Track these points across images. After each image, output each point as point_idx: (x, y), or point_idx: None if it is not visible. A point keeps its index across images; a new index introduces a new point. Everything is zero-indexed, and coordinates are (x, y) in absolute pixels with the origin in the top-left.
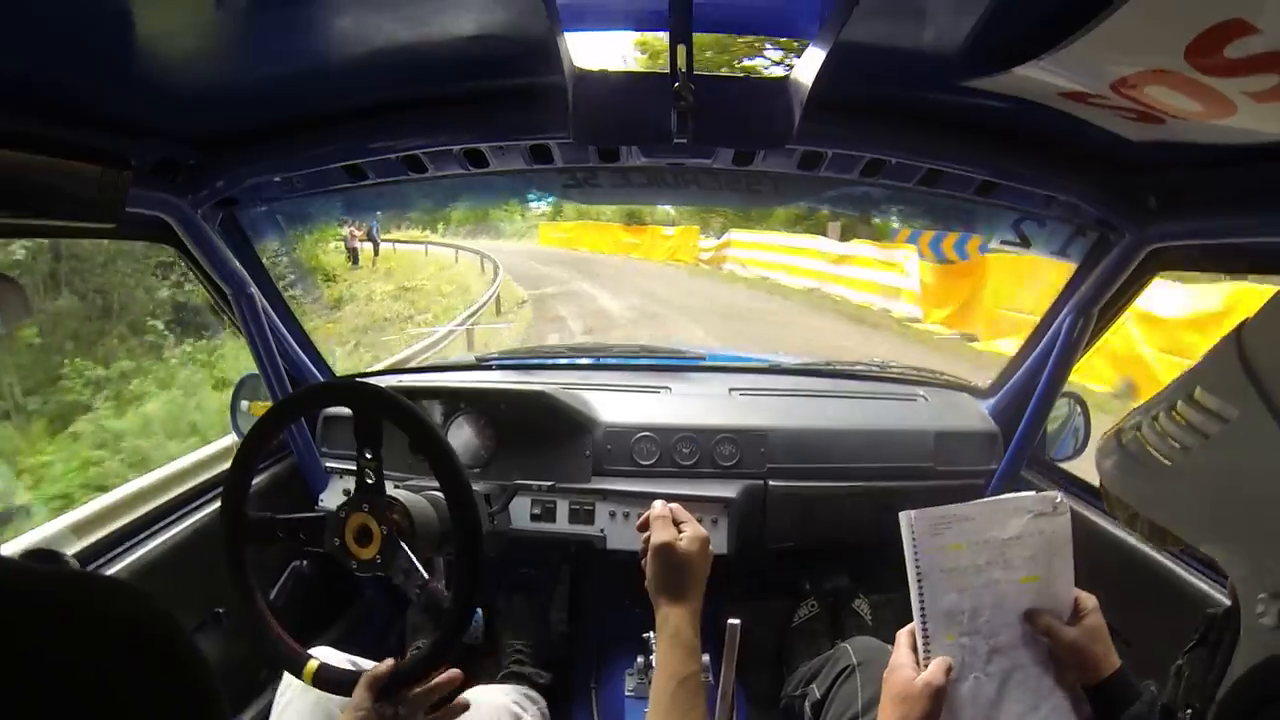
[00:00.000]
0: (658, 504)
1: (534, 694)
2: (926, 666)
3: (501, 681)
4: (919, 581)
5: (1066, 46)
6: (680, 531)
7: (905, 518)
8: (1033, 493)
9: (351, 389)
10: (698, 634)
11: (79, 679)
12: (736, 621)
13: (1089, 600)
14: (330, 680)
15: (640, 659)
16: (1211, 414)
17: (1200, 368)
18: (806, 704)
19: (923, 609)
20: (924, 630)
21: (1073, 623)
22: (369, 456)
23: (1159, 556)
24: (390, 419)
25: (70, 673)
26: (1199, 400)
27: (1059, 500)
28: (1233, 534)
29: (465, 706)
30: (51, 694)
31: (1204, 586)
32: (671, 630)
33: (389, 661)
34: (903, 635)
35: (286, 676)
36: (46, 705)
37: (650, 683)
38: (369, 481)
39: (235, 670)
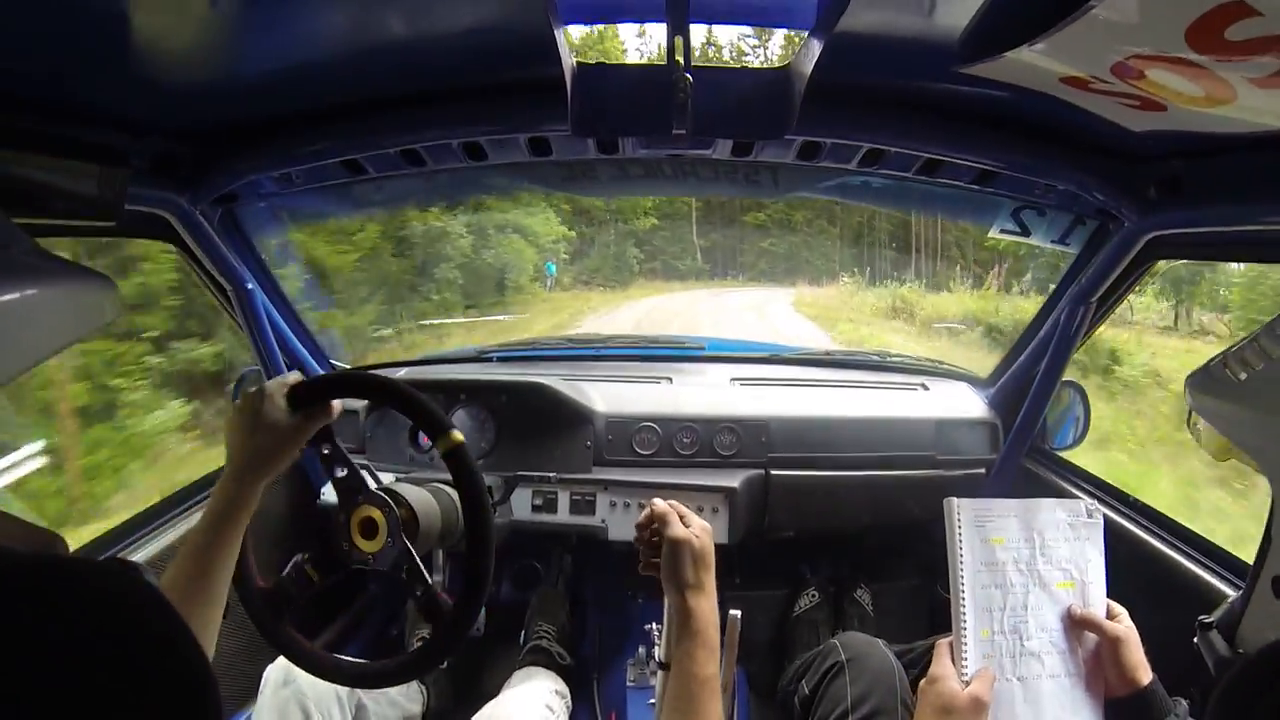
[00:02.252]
0: (659, 502)
1: (561, 687)
2: (965, 668)
3: (525, 659)
4: (961, 572)
5: (1066, 26)
6: (688, 526)
7: (951, 504)
8: (1067, 499)
9: (373, 383)
10: (718, 631)
11: (67, 659)
12: (737, 613)
13: (1120, 609)
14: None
15: (641, 649)
16: None
17: None
18: (796, 700)
19: (963, 601)
20: (963, 623)
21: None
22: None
23: (1158, 544)
24: (400, 409)
25: (58, 653)
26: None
27: (1093, 507)
28: (1275, 442)
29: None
30: (39, 675)
31: (1208, 578)
32: (696, 627)
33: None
34: (943, 644)
35: (265, 674)
36: (34, 686)
37: (651, 673)
38: (365, 476)
39: (239, 664)
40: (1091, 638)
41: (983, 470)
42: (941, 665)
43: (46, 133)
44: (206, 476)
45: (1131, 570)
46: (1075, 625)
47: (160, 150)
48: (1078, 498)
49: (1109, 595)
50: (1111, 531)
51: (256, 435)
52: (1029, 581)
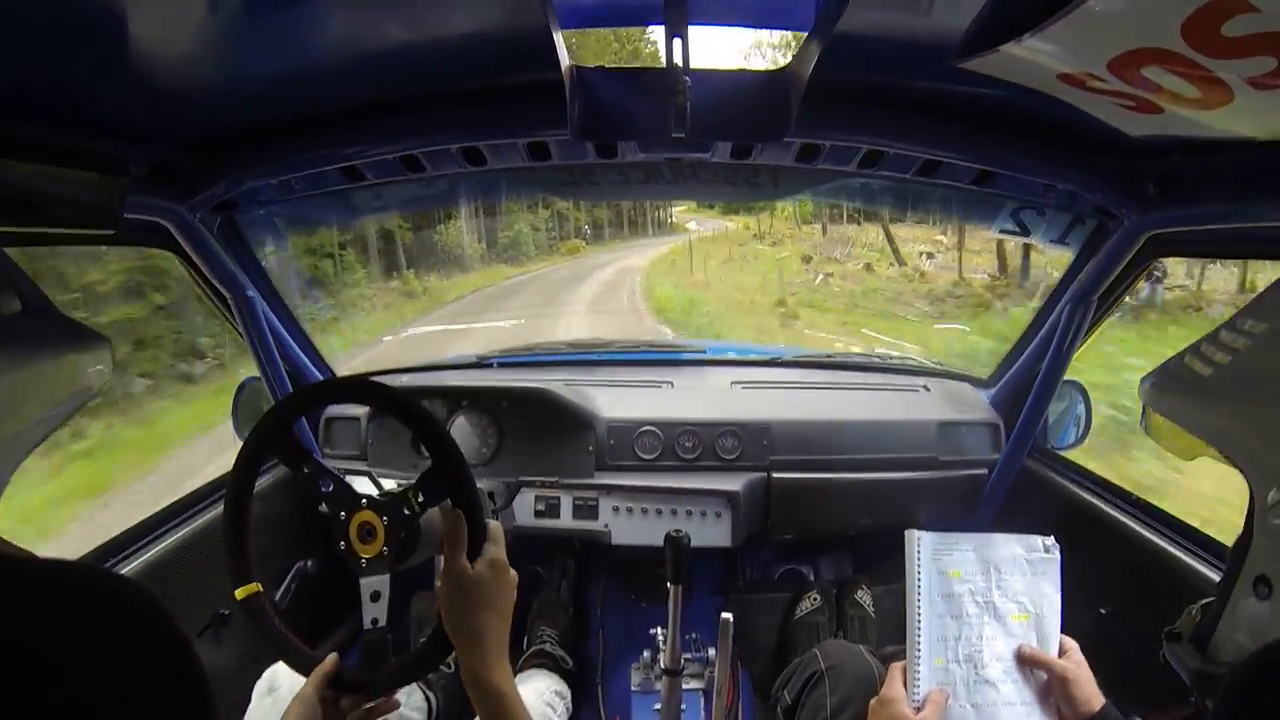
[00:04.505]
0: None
1: (562, 688)
2: (917, 694)
3: (527, 662)
4: (918, 601)
5: (1063, 19)
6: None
7: (911, 536)
8: (1026, 535)
9: (363, 387)
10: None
11: (67, 666)
12: (729, 616)
13: (1072, 644)
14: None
15: (646, 653)
16: (1246, 334)
17: (1247, 308)
18: (779, 709)
19: (918, 629)
20: (916, 650)
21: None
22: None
23: (1161, 542)
24: (399, 418)
25: (58, 659)
26: (1240, 328)
27: (1050, 543)
28: (1251, 434)
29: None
30: (38, 681)
31: (1203, 570)
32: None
33: (333, 657)
34: (896, 669)
35: (256, 687)
36: (34, 692)
37: (655, 677)
38: (397, 488)
39: (240, 672)
40: (1051, 659)
41: (985, 471)
42: (893, 688)
43: (45, 141)
44: (196, 491)
45: (1135, 570)
46: (1026, 663)
47: (159, 158)
48: (1076, 498)
49: (1112, 591)
50: (1115, 531)
51: None
52: (984, 613)
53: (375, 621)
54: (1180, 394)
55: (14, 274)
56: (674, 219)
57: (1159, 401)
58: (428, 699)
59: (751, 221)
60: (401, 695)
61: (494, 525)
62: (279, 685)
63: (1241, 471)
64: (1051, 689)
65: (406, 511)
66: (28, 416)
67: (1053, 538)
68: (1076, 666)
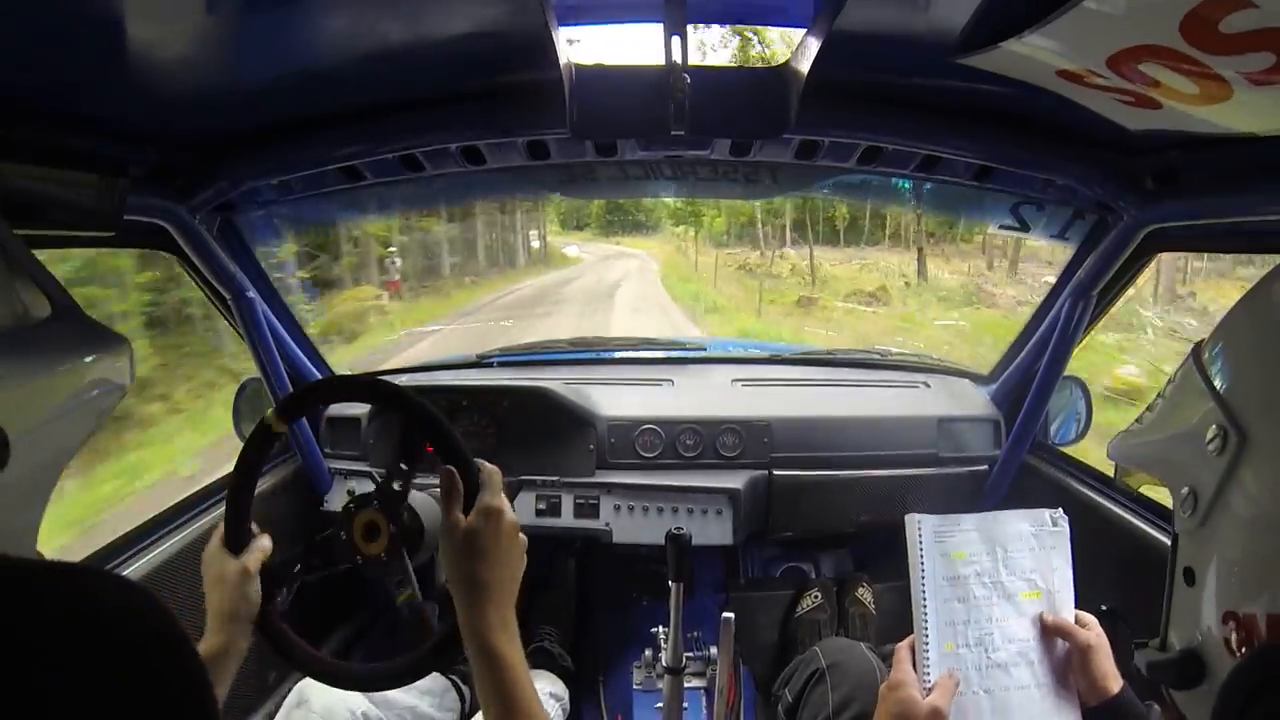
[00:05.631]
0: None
1: (558, 689)
2: (927, 681)
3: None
4: (923, 586)
5: (1063, 16)
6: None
7: (912, 521)
8: (1032, 510)
9: (378, 388)
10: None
11: (68, 667)
12: (730, 615)
13: (1089, 618)
14: None
15: (647, 652)
16: (1170, 384)
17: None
18: (780, 708)
19: (925, 615)
20: (924, 637)
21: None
22: (404, 467)
23: (1164, 539)
24: (413, 421)
25: (59, 661)
26: (1169, 381)
27: (1059, 516)
28: (1161, 448)
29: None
30: (39, 683)
31: None
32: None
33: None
34: (903, 649)
35: (284, 705)
36: (35, 694)
37: (657, 676)
38: (396, 488)
39: (243, 674)
40: (1061, 647)
41: (985, 467)
42: (902, 671)
43: (45, 143)
44: (197, 493)
45: (1137, 567)
46: (1046, 633)
47: (158, 159)
48: (1076, 494)
49: (1112, 591)
50: (1117, 528)
51: (218, 591)
52: (993, 594)
53: (413, 604)
54: (1127, 441)
55: (43, 277)
56: (548, 244)
57: (1117, 453)
58: (460, 694)
59: (658, 244)
60: (433, 690)
61: (490, 472)
62: (308, 698)
63: (1162, 482)
64: (1069, 666)
65: (403, 508)
66: (67, 422)
67: (1060, 509)
68: (1098, 638)
